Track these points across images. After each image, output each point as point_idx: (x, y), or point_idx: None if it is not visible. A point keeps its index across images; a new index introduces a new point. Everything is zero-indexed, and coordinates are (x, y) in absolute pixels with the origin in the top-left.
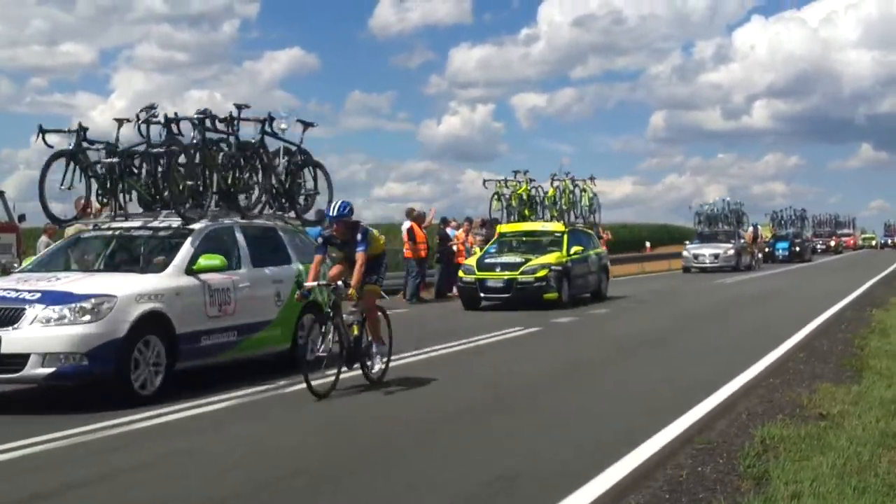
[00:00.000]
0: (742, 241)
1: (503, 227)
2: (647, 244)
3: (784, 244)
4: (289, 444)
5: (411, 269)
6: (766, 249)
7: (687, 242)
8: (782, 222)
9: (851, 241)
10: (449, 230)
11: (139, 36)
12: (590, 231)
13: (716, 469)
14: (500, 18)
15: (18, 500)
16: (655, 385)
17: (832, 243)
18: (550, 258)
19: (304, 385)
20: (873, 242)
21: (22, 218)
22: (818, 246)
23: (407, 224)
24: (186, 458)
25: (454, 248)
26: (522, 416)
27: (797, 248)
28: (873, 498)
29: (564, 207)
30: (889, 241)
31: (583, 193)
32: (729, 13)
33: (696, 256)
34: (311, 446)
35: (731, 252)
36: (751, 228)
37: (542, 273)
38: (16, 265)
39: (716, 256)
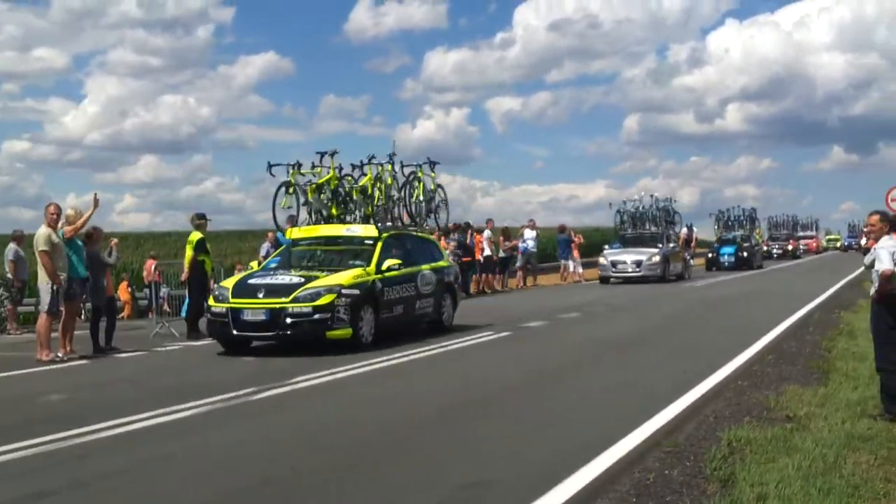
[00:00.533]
0: (671, 245)
1: (293, 232)
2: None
3: (729, 249)
4: (259, 451)
5: None
6: (710, 255)
7: (606, 247)
8: (729, 223)
9: (814, 244)
10: None
11: (113, 41)
12: (428, 237)
13: (683, 472)
14: (475, 22)
15: None
16: (624, 389)
17: (790, 247)
18: (343, 277)
19: (273, 392)
20: (839, 244)
21: None
22: (774, 251)
23: None
24: (158, 466)
25: None
26: (491, 421)
27: (744, 254)
28: (838, 499)
29: (379, 203)
30: (853, 243)
31: (416, 185)
32: (703, 16)
33: (614, 264)
34: (282, 454)
35: (657, 259)
36: (684, 229)
37: (325, 300)
38: None
39: (638, 264)
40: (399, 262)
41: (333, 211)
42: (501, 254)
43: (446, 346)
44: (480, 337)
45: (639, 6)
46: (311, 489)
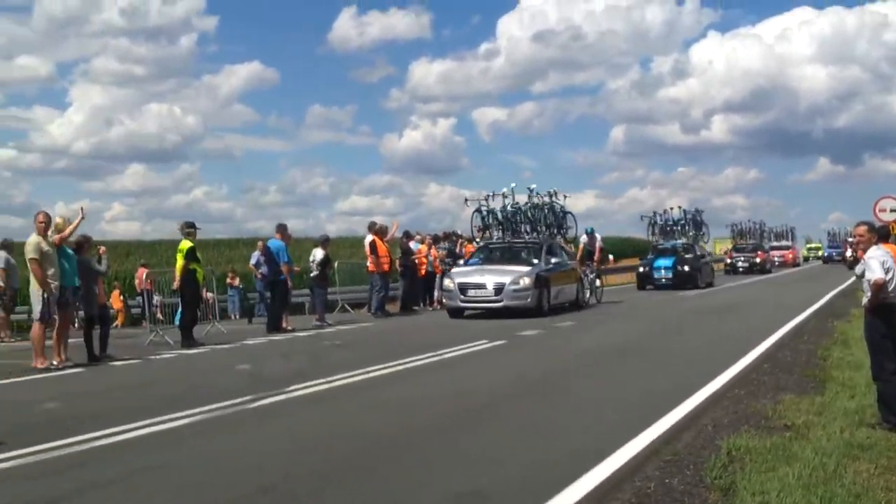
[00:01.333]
0: (555, 260)
1: None
2: (611, 257)
3: (666, 262)
4: (253, 460)
5: (375, 282)
6: (641, 269)
7: (461, 261)
8: (668, 229)
9: (790, 256)
10: (412, 244)
11: (96, 49)
12: None
13: (683, 481)
14: (459, 33)
15: None
16: (622, 397)
17: (758, 260)
18: None
19: (270, 400)
20: (821, 253)
21: None
22: (739, 263)
23: (369, 237)
24: (152, 475)
25: (416, 261)
26: (489, 429)
27: (686, 268)
28: None
29: None
30: (834, 254)
31: None
32: (686, 28)
33: (464, 289)
34: (276, 463)
35: (526, 281)
36: (583, 237)
37: None
38: None
39: (499, 290)
40: None
41: None
42: None
43: (443, 354)
44: (476, 346)
45: (621, 18)
46: (307, 497)
